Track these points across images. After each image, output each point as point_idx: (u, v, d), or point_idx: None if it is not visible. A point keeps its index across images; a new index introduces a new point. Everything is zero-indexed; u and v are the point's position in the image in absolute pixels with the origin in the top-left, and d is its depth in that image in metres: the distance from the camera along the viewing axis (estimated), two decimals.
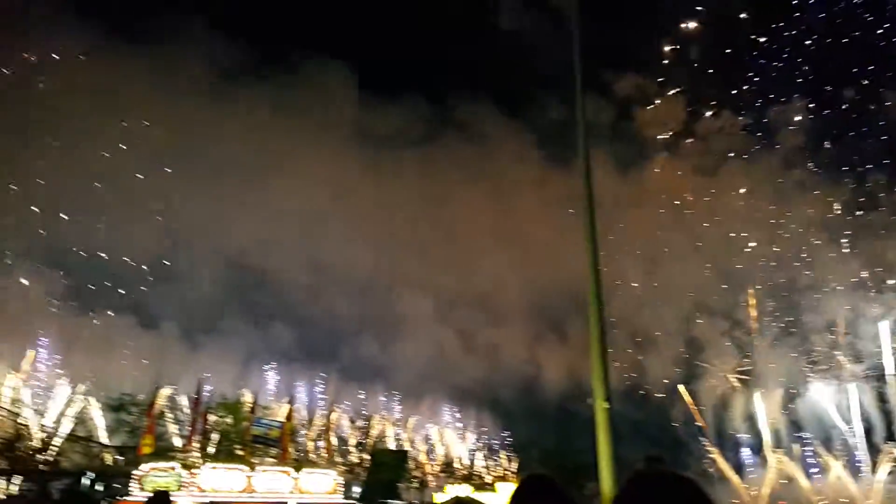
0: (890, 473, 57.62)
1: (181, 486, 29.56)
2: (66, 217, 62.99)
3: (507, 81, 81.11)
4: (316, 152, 74.70)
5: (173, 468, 30.62)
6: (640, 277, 66.47)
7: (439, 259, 75.30)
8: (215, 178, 71.19)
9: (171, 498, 6.38)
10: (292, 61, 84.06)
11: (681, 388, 67.56)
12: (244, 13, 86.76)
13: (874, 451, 58.71)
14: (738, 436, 65.74)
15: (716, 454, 64.55)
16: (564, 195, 66.21)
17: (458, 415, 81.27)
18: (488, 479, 69.98)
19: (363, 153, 77.66)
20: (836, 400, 60.26)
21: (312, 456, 52.84)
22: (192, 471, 30.72)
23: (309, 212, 74.41)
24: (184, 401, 53.08)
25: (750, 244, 66.40)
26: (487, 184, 77.66)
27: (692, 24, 74.22)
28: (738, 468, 65.15)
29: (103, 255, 65.34)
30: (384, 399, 74.14)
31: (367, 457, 62.04)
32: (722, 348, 65.45)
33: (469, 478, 66.58)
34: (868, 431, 59.07)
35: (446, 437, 79.44)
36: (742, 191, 67.37)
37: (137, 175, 66.80)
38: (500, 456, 77.96)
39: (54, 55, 66.52)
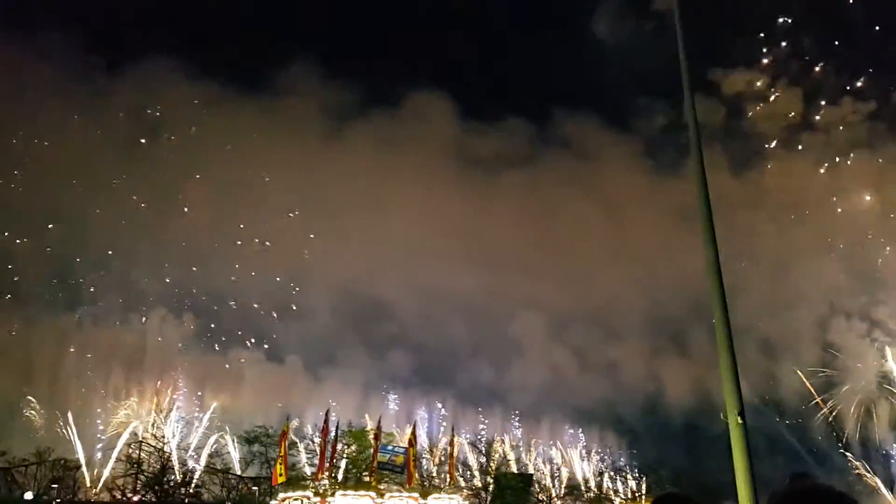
0: None
1: None
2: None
3: (609, 92, 79.83)
4: (423, 181, 76.49)
5: (308, 497, 31.65)
6: (765, 282, 62.71)
7: (551, 277, 74.54)
8: (330, 216, 74.23)
9: None
10: (395, 96, 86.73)
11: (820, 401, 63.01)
12: (345, 53, 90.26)
13: None
14: (887, 447, 60.31)
15: (860, 468, 59.48)
16: (676, 202, 64.03)
17: (581, 436, 79.44)
18: (616, 501, 67.70)
19: (468, 178, 78.60)
20: None
21: (437, 481, 53.04)
22: (325, 499, 31.63)
23: (419, 240, 75.88)
24: (311, 431, 55.08)
25: (881, 239, 61.36)
26: (596, 197, 76.13)
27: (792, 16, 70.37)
28: (889, 482, 59.60)
29: (234, 300, 69.41)
30: (504, 422, 73.71)
31: (491, 481, 61.62)
32: (862, 352, 60.51)
33: (597, 500, 64.61)
34: None
35: (570, 459, 77.70)
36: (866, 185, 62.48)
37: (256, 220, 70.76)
38: (627, 477, 75.28)
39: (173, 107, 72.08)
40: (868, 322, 61.19)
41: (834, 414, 62.11)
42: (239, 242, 71.31)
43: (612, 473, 75.96)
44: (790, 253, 64.75)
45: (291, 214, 73.08)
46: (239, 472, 53.86)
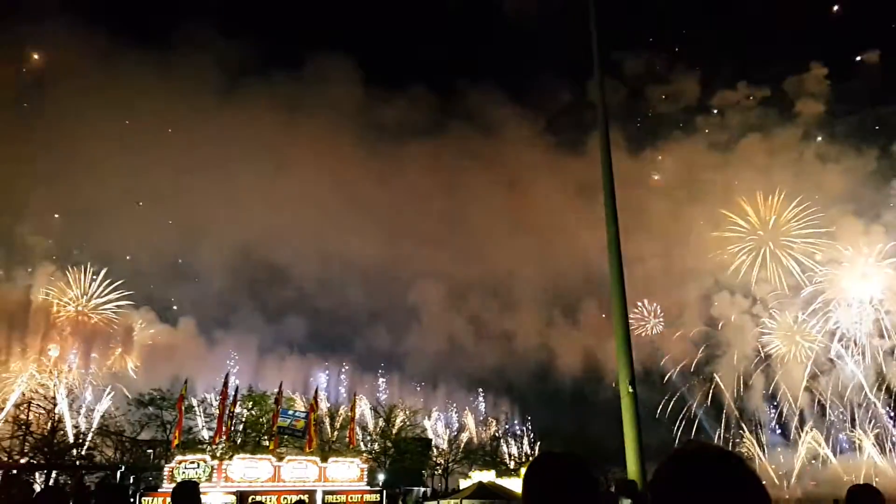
0: None
1: (211, 477, 30.03)
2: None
3: (515, 67, 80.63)
4: (324, 146, 75.15)
5: (204, 460, 31.09)
6: (657, 257, 65.75)
7: (452, 248, 75.42)
8: (225, 176, 71.98)
9: (201, 489, 6.49)
10: (298, 58, 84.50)
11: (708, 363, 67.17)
12: (247, 12, 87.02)
13: None
14: (763, 415, 65.30)
15: (745, 434, 64.26)
16: (576, 179, 65.87)
17: (479, 402, 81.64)
18: (512, 465, 70.20)
19: (372, 145, 77.86)
20: (865, 375, 59.67)
21: (337, 445, 53.30)
22: (222, 462, 31.18)
23: (320, 205, 74.91)
24: (208, 395, 54.07)
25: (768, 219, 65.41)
26: (498, 171, 77.07)
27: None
28: (766, 449, 64.74)
29: (123, 254, 66.46)
30: (403, 388, 74.72)
31: (391, 445, 62.48)
32: (742, 326, 64.79)
33: (493, 464, 66.77)
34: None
35: (468, 425, 79.76)
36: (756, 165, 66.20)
37: (148, 176, 67.68)
38: (523, 442, 78.13)
39: (61, 56, 67.54)
40: (750, 298, 65.50)
41: (713, 385, 66.46)
42: (139, 203, 68.12)
43: (507, 439, 78.65)
44: (681, 230, 68.10)
45: (185, 172, 70.08)
46: (132, 435, 52.25)
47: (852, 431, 61.16)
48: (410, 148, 77.08)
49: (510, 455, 75.22)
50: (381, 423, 65.68)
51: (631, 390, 13.39)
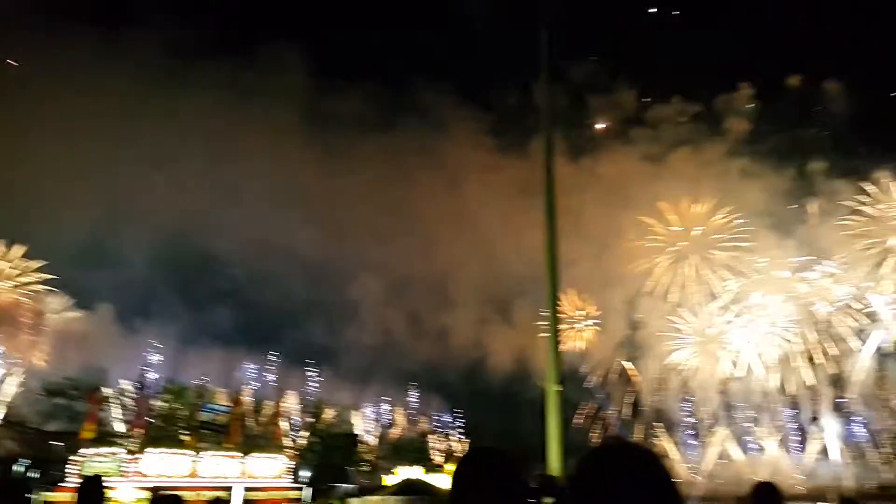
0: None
1: (122, 471, 28.89)
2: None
3: (465, 67, 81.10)
4: (269, 134, 73.54)
5: (114, 453, 29.88)
6: (588, 261, 67.18)
7: (395, 243, 74.94)
8: (162, 158, 69.60)
9: (107, 483, 6.12)
10: (247, 42, 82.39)
11: (628, 365, 69.04)
12: None
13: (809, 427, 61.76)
14: (677, 416, 67.53)
15: (660, 434, 66.47)
16: (518, 180, 66.58)
17: (409, 398, 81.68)
18: (440, 460, 70.53)
19: (318, 136, 76.64)
20: (776, 377, 62.55)
21: (261, 441, 52.31)
22: (135, 456, 30.04)
23: (260, 195, 73.37)
24: (125, 385, 51.91)
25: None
26: (445, 169, 77.14)
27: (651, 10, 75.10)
28: (681, 448, 67.10)
29: (40, 233, 63.15)
30: (333, 383, 73.86)
31: (318, 441, 61.73)
32: (661, 328, 66.87)
33: (420, 460, 66.93)
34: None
35: (397, 420, 79.68)
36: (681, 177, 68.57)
37: (83, 153, 64.75)
38: (452, 438, 78.62)
39: None
40: (673, 303, 67.64)
41: (633, 386, 68.42)
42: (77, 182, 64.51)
43: (437, 435, 78.96)
44: (613, 235, 69.82)
45: (118, 153, 67.38)
46: (38, 426, 49.78)
47: (757, 433, 64.22)
48: (358, 141, 76.44)
49: (439, 451, 75.57)
50: (308, 418, 64.81)
51: (557, 388, 13.56)
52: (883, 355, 59.40)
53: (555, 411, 13.69)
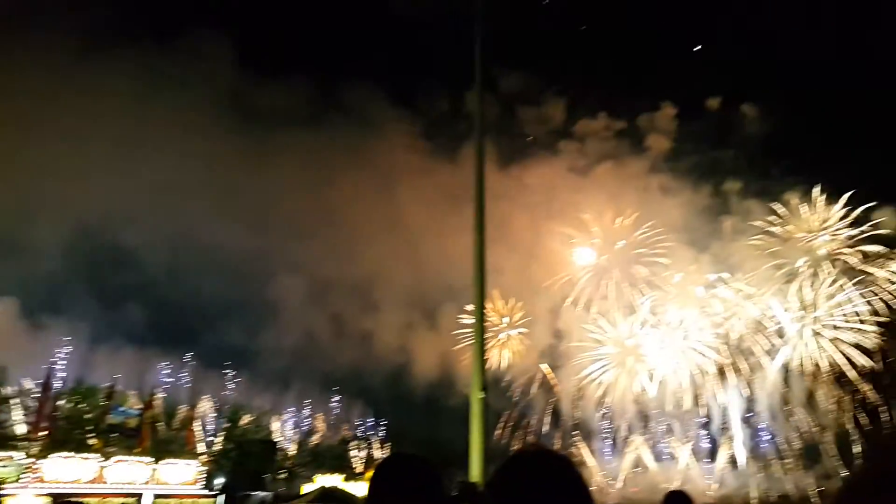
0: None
1: (22, 477, 27.24)
2: None
3: (398, 68, 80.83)
4: (191, 125, 70.96)
5: (11, 457, 28.14)
6: (514, 270, 68.06)
7: (320, 244, 73.51)
8: (73, 147, 66.24)
9: (4, 490, 5.70)
10: (168, 30, 79.66)
11: (545, 368, 70.10)
12: None
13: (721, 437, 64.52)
14: (595, 425, 69.11)
15: (578, 442, 67.93)
16: (446, 186, 66.81)
17: (330, 404, 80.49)
18: (360, 468, 69.74)
19: (243, 130, 74.54)
20: (690, 388, 64.92)
21: (173, 446, 50.43)
22: (37, 461, 28.39)
23: (178, 188, 70.52)
24: (32, 385, 49.05)
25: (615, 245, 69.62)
26: (373, 170, 76.27)
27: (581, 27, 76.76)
28: (598, 456, 68.74)
29: None
30: (252, 386, 71.93)
31: (233, 447, 60.05)
32: (581, 338, 68.40)
33: (341, 468, 66.03)
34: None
35: (318, 427, 78.39)
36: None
37: None
38: (374, 445, 77.91)
39: None
40: (594, 313, 69.36)
41: (553, 395, 69.65)
42: None
43: (358, 442, 78.10)
44: (539, 244, 71.04)
45: (26, 139, 63.70)
46: None
47: (671, 443, 66.52)
48: (284, 137, 74.36)
49: (360, 459, 74.73)
50: (224, 423, 62.93)
51: (481, 395, 13.56)
52: (788, 371, 62.61)
53: (478, 418, 13.68)
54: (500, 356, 69.01)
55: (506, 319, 69.95)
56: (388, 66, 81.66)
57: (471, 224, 15.79)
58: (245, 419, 67.08)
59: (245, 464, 57.94)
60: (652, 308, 66.84)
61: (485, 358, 13.94)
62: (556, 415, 69.70)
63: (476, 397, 13.59)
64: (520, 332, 70.73)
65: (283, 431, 73.12)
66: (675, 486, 60.69)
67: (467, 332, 65.41)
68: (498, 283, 63.53)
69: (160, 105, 69.36)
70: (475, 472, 13.57)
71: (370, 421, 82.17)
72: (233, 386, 71.01)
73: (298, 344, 70.32)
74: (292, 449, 70.97)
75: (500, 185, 60.55)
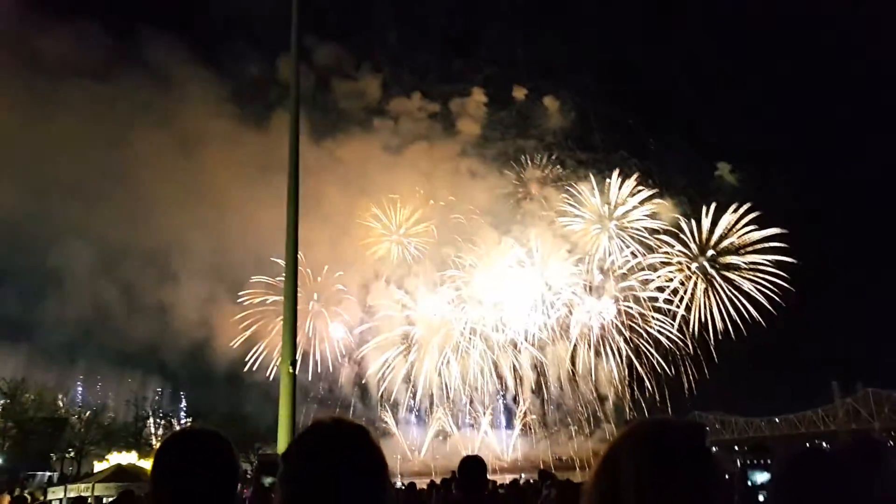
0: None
1: None
2: None
3: (206, 24, 74.98)
4: None
5: None
6: (326, 244, 67.91)
7: (111, 207, 67.17)
8: None
9: None
10: None
11: (355, 342, 71.13)
12: None
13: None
14: (401, 396, 71.65)
15: (385, 413, 70.16)
16: (256, 155, 64.86)
17: (126, 379, 75.41)
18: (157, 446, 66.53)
19: (24, 79, 65.88)
20: (487, 363, 69.48)
21: None
22: None
23: None
24: None
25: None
26: (175, 132, 70.43)
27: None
28: (401, 426, 71.42)
29: None
30: (35, 361, 65.17)
31: (13, 425, 55.01)
32: (392, 315, 70.39)
33: (136, 445, 62.67)
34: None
35: (112, 403, 73.51)
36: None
37: None
38: (173, 422, 74.48)
39: None
40: (403, 290, 71.54)
41: (361, 368, 71.07)
42: None
43: (157, 419, 74.33)
44: (351, 221, 71.39)
45: None
46: None
47: (471, 413, 71.04)
48: (72, 89, 66.71)
49: (157, 436, 71.09)
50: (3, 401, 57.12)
51: (291, 370, 13.97)
52: (576, 346, 69.21)
53: (287, 392, 14.18)
54: (310, 330, 68.96)
55: (316, 294, 69.86)
56: (196, 21, 75.15)
57: (280, 195, 15.45)
58: (25, 397, 61.11)
59: (27, 443, 53.25)
60: (457, 286, 70.38)
61: (296, 332, 14.38)
62: (364, 389, 71.16)
63: (285, 371, 14.06)
64: (332, 308, 71.16)
65: (72, 408, 67.66)
66: (472, 452, 65.04)
67: (272, 307, 64.89)
68: (308, 257, 63.09)
69: None
70: (283, 446, 13.99)
71: (169, 397, 78.45)
72: (10, 361, 63.91)
73: (87, 315, 64.46)
74: (82, 427, 65.91)
75: (312, 158, 59.81)
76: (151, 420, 74.37)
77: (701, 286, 68.65)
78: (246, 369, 66.17)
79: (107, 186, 67.75)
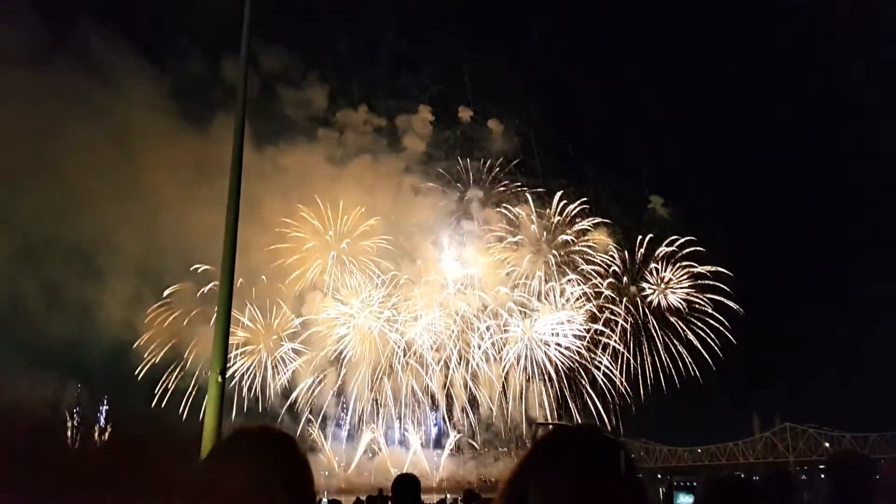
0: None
1: None
2: None
3: (148, 16, 72.38)
4: None
5: None
6: (262, 251, 66.46)
7: (33, 199, 63.38)
8: None
9: None
10: None
11: (286, 353, 69.73)
12: None
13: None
14: (331, 410, 70.47)
15: (313, 428, 68.81)
16: (195, 155, 63.15)
17: (41, 381, 71.32)
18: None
19: None
20: (420, 381, 69.18)
21: None
22: None
23: None
24: None
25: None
26: (110, 125, 67.36)
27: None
28: (330, 441, 70.08)
29: None
30: None
31: None
32: (326, 328, 69.39)
33: None
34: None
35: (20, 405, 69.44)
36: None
37: None
38: (94, 429, 71.07)
39: None
40: (339, 302, 70.60)
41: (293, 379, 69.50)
42: None
43: (71, 422, 70.83)
44: (290, 230, 70.14)
45: None
46: None
47: (402, 430, 70.44)
48: (5, 75, 63.20)
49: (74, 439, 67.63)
50: None
51: (220, 379, 13.44)
52: (507, 368, 69.75)
53: (215, 401, 13.57)
54: (240, 338, 67.10)
55: (248, 302, 68.14)
56: (137, 13, 72.12)
57: (218, 198, 15.16)
58: None
59: None
60: (393, 303, 70.11)
61: (228, 339, 13.81)
62: (293, 402, 69.57)
63: (214, 380, 13.44)
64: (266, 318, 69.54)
65: None
66: (403, 469, 64.48)
67: (201, 312, 62.98)
68: (243, 263, 61.42)
69: None
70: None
71: (87, 402, 74.70)
72: None
73: (2, 308, 60.50)
74: None
75: (253, 164, 58.39)
76: (69, 423, 70.79)
77: (630, 320, 70.77)
78: (170, 374, 64.08)
79: (31, 177, 64.36)
